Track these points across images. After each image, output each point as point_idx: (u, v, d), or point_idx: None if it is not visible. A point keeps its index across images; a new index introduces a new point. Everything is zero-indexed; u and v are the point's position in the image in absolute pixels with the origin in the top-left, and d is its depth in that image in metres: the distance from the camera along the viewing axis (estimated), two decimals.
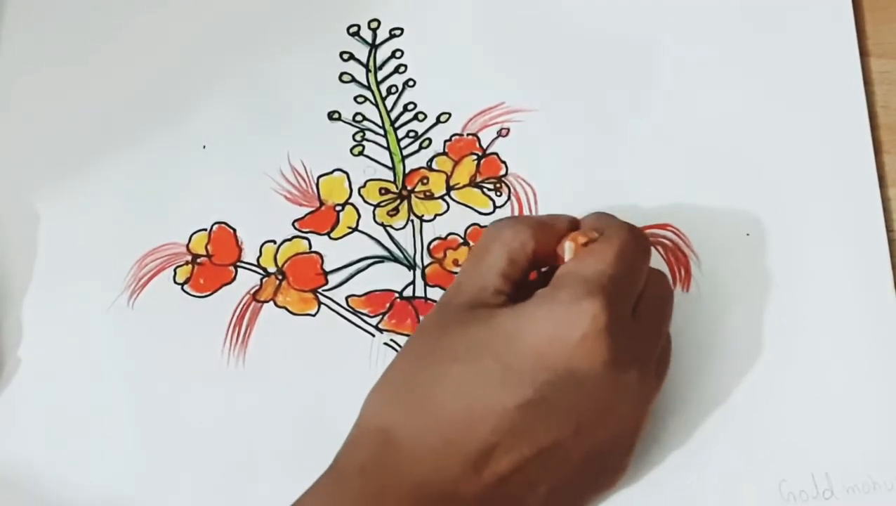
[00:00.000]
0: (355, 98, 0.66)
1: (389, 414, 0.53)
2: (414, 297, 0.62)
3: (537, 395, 0.51)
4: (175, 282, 0.64)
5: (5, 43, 0.69)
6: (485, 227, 0.63)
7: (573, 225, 0.56)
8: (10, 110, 0.67)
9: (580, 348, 0.51)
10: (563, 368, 0.51)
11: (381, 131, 0.66)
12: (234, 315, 0.63)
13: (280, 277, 0.63)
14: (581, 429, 0.52)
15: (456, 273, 0.62)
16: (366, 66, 0.67)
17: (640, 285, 0.54)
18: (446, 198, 0.64)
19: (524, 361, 0.51)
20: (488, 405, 0.51)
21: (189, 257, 0.64)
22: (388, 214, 0.64)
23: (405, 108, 0.66)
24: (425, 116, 0.66)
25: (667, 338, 0.56)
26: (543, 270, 0.56)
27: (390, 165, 0.65)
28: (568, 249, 0.55)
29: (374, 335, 0.62)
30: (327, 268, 0.63)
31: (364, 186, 0.65)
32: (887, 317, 0.60)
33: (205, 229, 0.64)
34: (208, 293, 0.63)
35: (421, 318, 0.62)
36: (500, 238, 0.55)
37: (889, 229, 0.61)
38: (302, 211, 0.64)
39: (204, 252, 0.64)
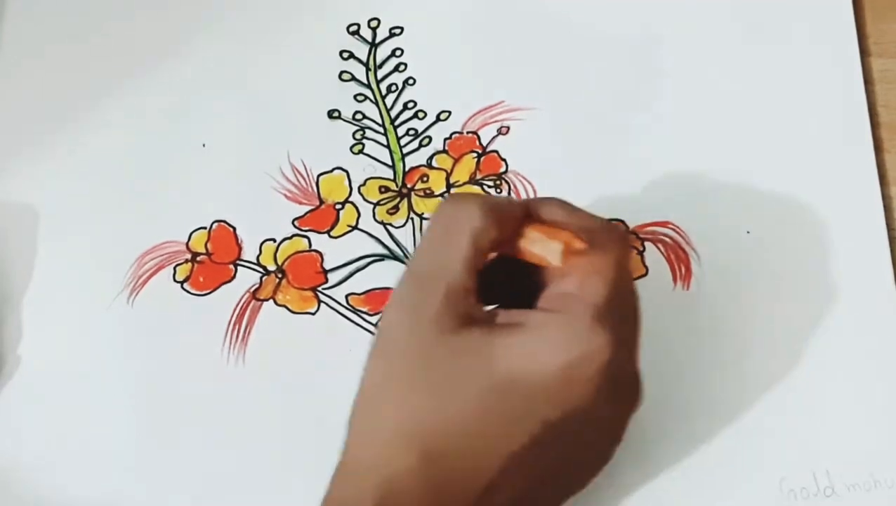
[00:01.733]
0: (355, 96, 0.66)
1: (380, 450, 0.49)
2: None
3: (543, 434, 0.48)
4: (175, 280, 0.64)
5: (5, 43, 0.69)
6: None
7: (527, 211, 0.51)
8: (10, 110, 0.68)
9: (590, 382, 0.48)
10: (570, 403, 0.48)
11: (381, 129, 0.66)
12: (233, 313, 0.63)
13: (280, 275, 0.63)
14: (574, 453, 0.51)
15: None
16: (366, 64, 0.67)
17: (633, 312, 0.52)
18: (446, 195, 0.64)
19: (532, 401, 0.48)
20: (494, 448, 0.48)
21: (189, 255, 0.64)
22: (387, 212, 0.64)
23: (405, 107, 0.66)
24: (425, 114, 0.66)
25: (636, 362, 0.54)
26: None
27: (390, 163, 0.65)
28: (557, 252, 0.50)
29: (373, 334, 0.62)
30: (327, 266, 0.63)
31: (364, 184, 0.65)
32: (888, 315, 0.59)
33: (204, 227, 0.64)
34: (208, 291, 0.63)
35: None
36: (462, 220, 0.49)
37: (889, 228, 0.61)
38: (302, 209, 0.64)
39: (204, 250, 0.64)
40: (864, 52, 0.65)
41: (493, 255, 0.51)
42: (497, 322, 0.50)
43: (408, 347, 0.49)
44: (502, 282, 0.52)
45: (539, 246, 0.51)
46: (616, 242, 0.51)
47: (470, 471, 0.48)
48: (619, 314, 0.49)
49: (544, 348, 0.48)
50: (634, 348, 0.52)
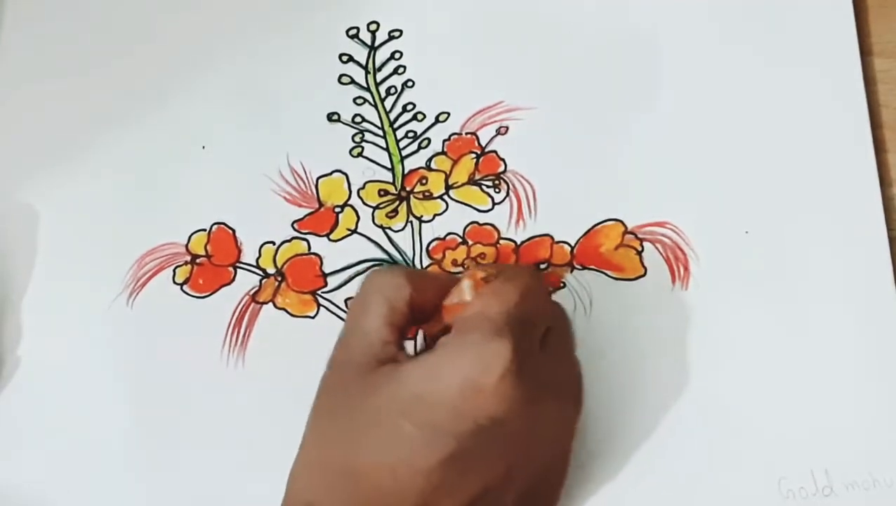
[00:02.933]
0: (354, 100, 0.66)
1: (314, 489, 0.51)
2: None
3: (460, 447, 0.49)
4: (174, 282, 0.64)
5: (5, 44, 0.69)
6: (483, 225, 0.63)
7: (452, 278, 0.55)
8: (10, 110, 0.68)
9: (496, 392, 0.49)
10: (483, 415, 0.50)
11: (381, 132, 0.66)
12: (233, 316, 0.63)
13: (279, 278, 0.63)
14: (510, 469, 0.51)
15: (455, 274, 0.62)
16: (365, 67, 0.67)
17: (547, 321, 0.54)
18: (445, 197, 0.64)
19: (441, 416, 0.49)
20: (412, 466, 0.49)
21: (188, 258, 0.64)
22: (386, 215, 0.64)
23: (404, 109, 0.66)
24: (424, 116, 0.66)
25: (577, 363, 0.55)
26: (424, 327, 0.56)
27: (389, 165, 0.65)
28: (467, 287, 0.54)
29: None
30: (326, 270, 0.63)
31: (363, 187, 0.65)
32: (887, 315, 0.59)
33: (204, 230, 0.64)
34: (207, 294, 0.63)
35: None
36: (375, 288, 0.54)
37: (890, 228, 0.61)
38: (301, 212, 0.64)
39: (203, 252, 0.64)
40: (864, 52, 0.65)
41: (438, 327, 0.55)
42: (415, 357, 0.52)
43: (334, 393, 0.53)
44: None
45: (454, 294, 0.54)
46: (522, 272, 0.54)
47: (395, 495, 0.49)
48: (523, 327, 0.51)
49: (444, 366, 0.50)
50: (560, 349, 0.54)
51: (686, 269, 0.61)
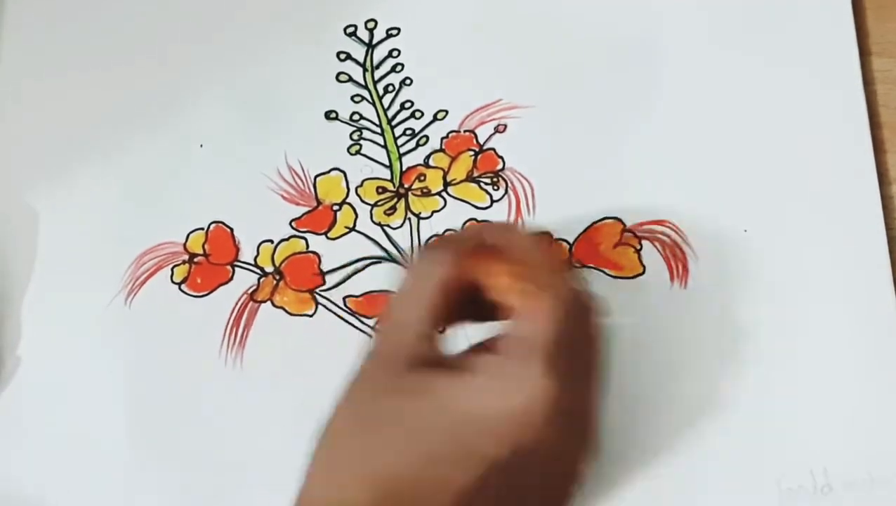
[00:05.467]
0: (352, 97, 0.66)
1: (338, 488, 0.50)
2: None
3: (490, 471, 0.49)
4: (172, 281, 0.64)
5: (5, 44, 0.69)
6: (482, 221, 0.63)
7: (478, 240, 0.54)
8: (9, 110, 0.68)
9: (537, 427, 0.49)
10: (517, 444, 0.49)
11: (379, 130, 0.66)
12: (231, 315, 0.63)
13: (277, 276, 0.63)
14: (528, 493, 0.51)
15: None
16: (363, 65, 0.67)
17: (592, 348, 0.53)
18: (443, 194, 0.64)
19: (478, 439, 0.49)
20: (438, 482, 0.49)
21: (186, 257, 0.64)
22: (385, 213, 0.64)
23: (402, 107, 0.66)
24: (422, 114, 0.66)
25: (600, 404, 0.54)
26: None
27: (387, 163, 0.65)
28: (507, 290, 0.52)
29: (371, 336, 0.62)
30: (325, 268, 0.63)
31: (361, 185, 0.65)
32: (886, 313, 0.59)
33: (202, 228, 0.64)
34: (205, 293, 0.63)
35: None
36: (420, 272, 0.53)
37: (889, 228, 0.61)
38: (299, 210, 0.64)
39: (201, 251, 0.64)
40: (864, 52, 0.65)
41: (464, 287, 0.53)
42: (450, 364, 0.51)
43: (368, 390, 0.51)
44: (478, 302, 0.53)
45: (495, 285, 0.52)
46: (565, 286, 0.52)
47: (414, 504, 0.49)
48: (570, 357, 0.50)
49: (488, 391, 0.49)
50: (589, 382, 0.53)
51: (685, 267, 0.61)
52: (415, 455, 0.49)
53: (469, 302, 0.53)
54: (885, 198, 0.62)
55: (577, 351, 0.51)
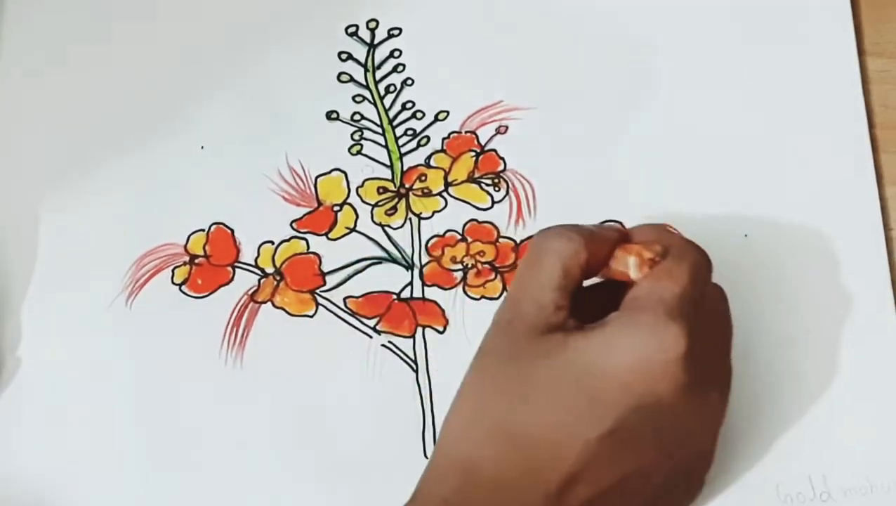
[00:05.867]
0: (353, 97, 0.66)
1: (471, 444, 0.51)
2: (412, 298, 0.62)
3: (621, 424, 0.50)
4: (173, 282, 0.63)
5: (5, 44, 0.69)
6: (483, 223, 0.63)
7: (622, 235, 0.54)
8: (9, 111, 0.67)
9: (665, 374, 0.50)
10: (648, 395, 0.50)
11: (380, 130, 0.66)
12: (231, 316, 0.63)
13: (278, 277, 0.63)
14: (663, 453, 0.51)
15: (452, 270, 0.62)
16: (364, 65, 0.67)
17: (714, 304, 0.54)
18: (444, 194, 0.64)
19: (608, 391, 0.50)
20: (572, 435, 0.50)
21: (187, 258, 0.64)
22: (385, 213, 0.64)
23: (403, 107, 0.66)
24: (423, 115, 0.66)
25: (729, 353, 0.56)
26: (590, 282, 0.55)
27: (388, 163, 0.65)
28: (633, 264, 0.53)
29: (371, 337, 0.62)
30: (325, 269, 0.63)
31: (362, 185, 0.65)
32: (885, 317, 0.60)
33: (203, 230, 0.64)
34: (206, 294, 0.63)
35: (419, 319, 0.62)
36: (552, 249, 0.53)
37: (887, 228, 0.61)
38: (300, 211, 0.64)
39: (202, 253, 0.64)
40: (862, 52, 0.65)
41: (595, 280, 0.54)
42: (580, 327, 0.52)
43: (498, 354, 0.53)
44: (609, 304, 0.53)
45: (619, 262, 0.53)
46: (691, 251, 0.53)
47: (551, 460, 0.50)
48: (695, 310, 0.51)
49: (618, 343, 0.50)
50: (721, 346, 0.54)
51: None
52: (543, 410, 0.50)
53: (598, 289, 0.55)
54: (883, 198, 0.62)
55: (704, 309, 0.52)
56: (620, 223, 0.62)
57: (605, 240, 0.53)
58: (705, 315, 0.52)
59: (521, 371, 0.51)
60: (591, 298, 0.53)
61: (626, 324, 0.51)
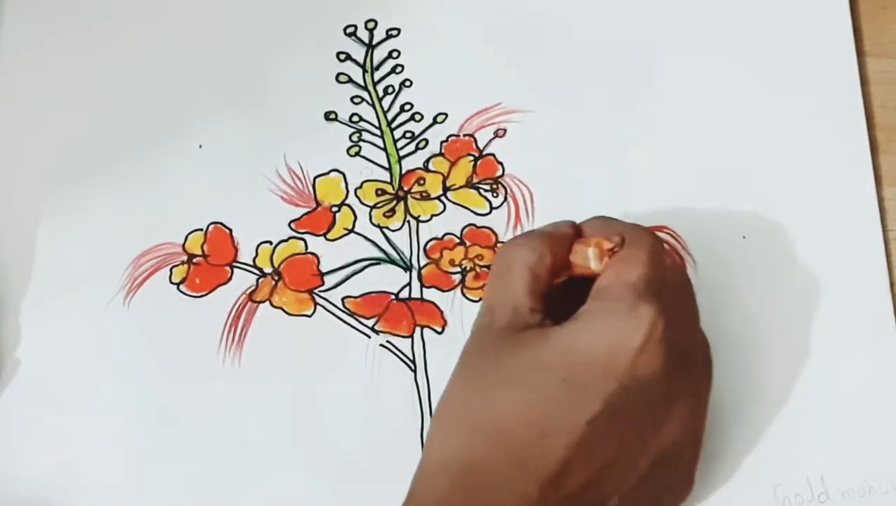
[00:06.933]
0: (352, 99, 0.66)
1: (459, 444, 0.52)
2: (410, 298, 0.62)
3: (605, 406, 0.50)
4: (171, 282, 0.63)
5: (4, 44, 0.69)
6: (481, 227, 0.63)
7: (577, 230, 0.56)
8: (8, 111, 0.67)
9: (643, 355, 0.50)
10: (628, 377, 0.50)
11: (378, 132, 0.66)
12: (229, 315, 0.63)
13: (276, 277, 0.63)
14: (646, 434, 0.52)
15: (451, 273, 0.62)
16: (362, 66, 0.67)
17: (676, 284, 0.55)
18: (443, 198, 0.64)
19: (589, 376, 0.50)
20: (559, 424, 0.50)
21: (185, 257, 0.64)
22: (384, 215, 0.64)
23: (402, 109, 0.66)
24: (422, 117, 0.66)
25: (702, 331, 0.56)
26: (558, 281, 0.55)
27: (387, 165, 0.65)
28: (592, 256, 0.54)
29: (369, 337, 0.62)
30: (323, 269, 0.63)
31: (360, 187, 0.65)
32: (884, 318, 0.60)
33: (201, 229, 0.64)
34: (204, 293, 0.63)
35: (417, 319, 0.62)
36: (518, 259, 0.54)
37: (886, 229, 0.61)
38: (298, 212, 0.64)
39: (200, 252, 0.64)
40: (861, 53, 0.65)
41: (560, 279, 0.55)
42: (553, 323, 0.53)
43: (478, 353, 0.54)
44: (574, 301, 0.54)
45: (578, 256, 0.54)
46: (644, 235, 0.54)
47: (540, 450, 0.50)
48: (661, 289, 0.52)
49: (594, 330, 0.51)
50: (691, 319, 0.55)
51: None
52: (526, 402, 0.51)
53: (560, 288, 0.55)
54: (881, 199, 0.62)
55: (667, 286, 0.53)
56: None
57: (564, 237, 0.55)
58: (670, 292, 0.53)
59: (501, 367, 0.52)
60: (558, 302, 0.54)
61: (600, 311, 0.52)
